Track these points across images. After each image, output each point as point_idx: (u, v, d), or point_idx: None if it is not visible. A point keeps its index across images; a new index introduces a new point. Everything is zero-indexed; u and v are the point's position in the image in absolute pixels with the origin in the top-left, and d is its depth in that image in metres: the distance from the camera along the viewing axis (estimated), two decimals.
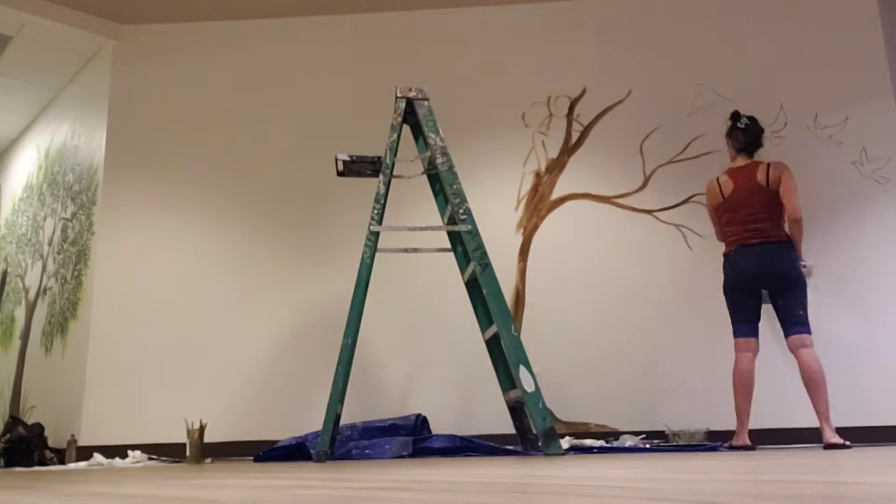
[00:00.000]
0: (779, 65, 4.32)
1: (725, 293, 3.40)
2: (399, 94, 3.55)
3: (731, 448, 3.19)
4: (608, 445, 3.49)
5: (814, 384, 3.12)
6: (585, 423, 3.92)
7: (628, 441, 3.50)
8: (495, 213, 4.24)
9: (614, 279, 4.15)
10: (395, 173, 3.52)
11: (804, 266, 3.37)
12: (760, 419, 3.85)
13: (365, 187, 4.38)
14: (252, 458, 3.59)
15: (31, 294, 5.23)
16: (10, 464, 3.96)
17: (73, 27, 4.54)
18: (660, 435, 3.69)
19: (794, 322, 3.22)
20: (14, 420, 4.26)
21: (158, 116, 4.55)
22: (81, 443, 3.97)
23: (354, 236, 4.30)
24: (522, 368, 3.09)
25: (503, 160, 4.34)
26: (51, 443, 4.10)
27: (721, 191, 3.41)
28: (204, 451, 3.70)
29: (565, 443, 3.48)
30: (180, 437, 3.73)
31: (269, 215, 4.39)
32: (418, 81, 4.51)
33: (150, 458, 3.84)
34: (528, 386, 3.07)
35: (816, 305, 4.00)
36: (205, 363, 4.19)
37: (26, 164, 5.87)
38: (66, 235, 4.85)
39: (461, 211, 3.35)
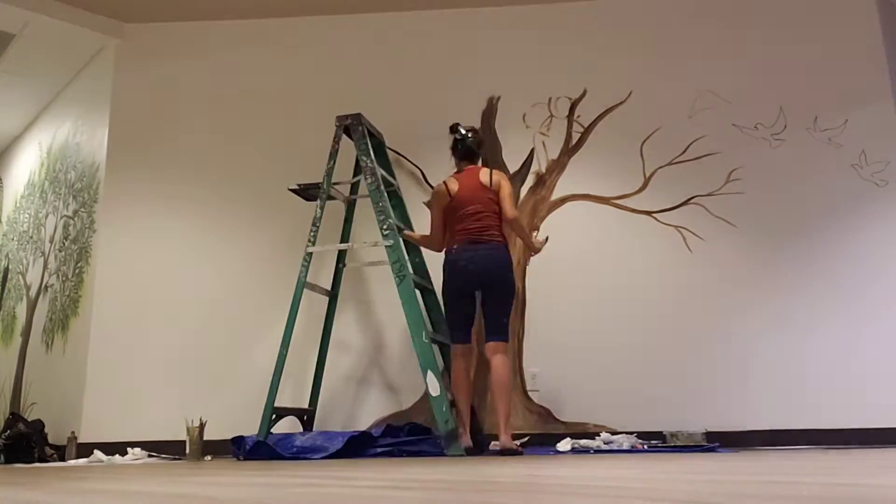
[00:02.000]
0: (778, 67, 4.33)
1: (445, 297, 3.55)
2: (337, 124, 3.88)
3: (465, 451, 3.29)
4: (606, 447, 3.50)
5: (499, 388, 3.34)
6: (584, 423, 3.93)
7: (626, 442, 3.50)
8: None
9: (613, 280, 4.15)
10: (334, 195, 3.90)
11: (542, 240, 3.60)
12: (759, 420, 3.87)
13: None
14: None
15: (33, 291, 5.24)
16: (10, 460, 3.97)
17: (75, 25, 4.54)
18: (658, 436, 3.69)
19: (497, 330, 3.43)
20: (14, 416, 4.27)
21: (161, 115, 4.56)
22: (82, 439, 3.97)
23: (356, 235, 4.31)
24: (430, 374, 3.32)
25: (505, 161, 4.35)
26: (51, 439, 4.11)
27: (448, 191, 3.56)
28: (204, 449, 3.71)
29: (566, 444, 3.49)
30: (180, 434, 3.74)
31: (270, 214, 4.40)
32: (419, 82, 4.53)
33: (150, 456, 3.85)
34: (434, 390, 3.30)
35: (814, 307, 4.02)
36: (205, 361, 4.20)
37: (28, 161, 5.88)
38: (68, 233, 4.86)
39: (384, 227, 3.62)
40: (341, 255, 4.11)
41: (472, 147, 3.68)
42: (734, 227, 4.15)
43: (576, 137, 4.37)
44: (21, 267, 5.54)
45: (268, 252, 4.35)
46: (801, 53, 4.33)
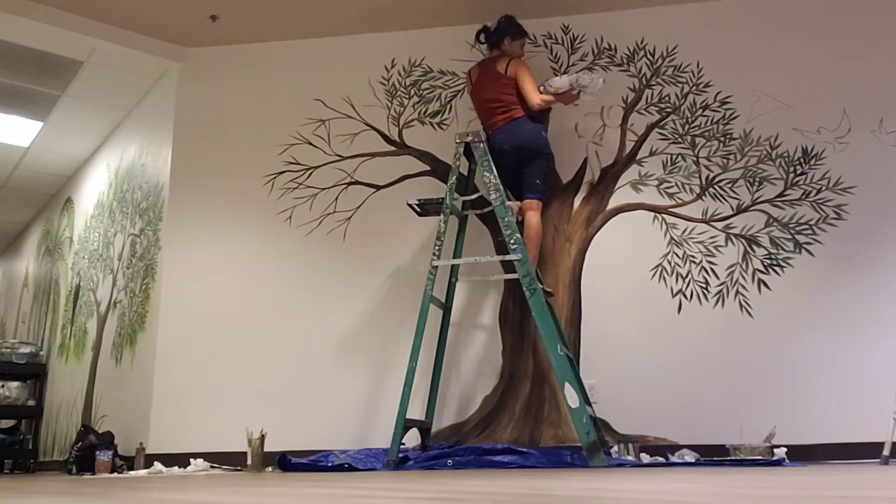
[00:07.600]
0: (841, 68, 4.20)
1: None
2: (458, 140, 3.90)
3: None
4: (662, 461, 3.42)
5: (528, 239, 3.81)
6: (644, 435, 3.86)
7: (687, 455, 3.42)
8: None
9: (672, 287, 4.08)
10: (457, 211, 3.98)
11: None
12: (827, 433, 3.73)
13: (414, 189, 4.43)
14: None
15: (102, 307, 5.44)
16: (81, 470, 4.13)
17: (140, 51, 4.72)
18: (721, 449, 3.60)
19: (529, 188, 3.91)
20: (86, 428, 4.44)
21: (221, 135, 4.69)
22: (149, 451, 4.10)
23: (411, 246, 4.35)
24: (567, 386, 3.31)
25: (557, 171, 4.33)
26: (121, 450, 4.26)
27: (471, 78, 4.08)
28: (265, 460, 3.79)
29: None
30: (242, 445, 3.83)
31: (329, 226, 4.47)
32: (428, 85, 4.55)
33: (211, 467, 3.94)
34: (573, 402, 3.28)
35: (884, 316, 3.86)
36: (267, 373, 4.29)
37: (97, 182, 6.13)
38: (135, 250, 5.04)
39: (512, 241, 3.66)
40: (454, 270, 4.06)
41: (491, 34, 4.06)
42: (798, 233, 4.03)
43: (629, 146, 4.32)
44: (92, 284, 5.76)
45: (328, 263, 4.42)
46: (865, 53, 4.20)
